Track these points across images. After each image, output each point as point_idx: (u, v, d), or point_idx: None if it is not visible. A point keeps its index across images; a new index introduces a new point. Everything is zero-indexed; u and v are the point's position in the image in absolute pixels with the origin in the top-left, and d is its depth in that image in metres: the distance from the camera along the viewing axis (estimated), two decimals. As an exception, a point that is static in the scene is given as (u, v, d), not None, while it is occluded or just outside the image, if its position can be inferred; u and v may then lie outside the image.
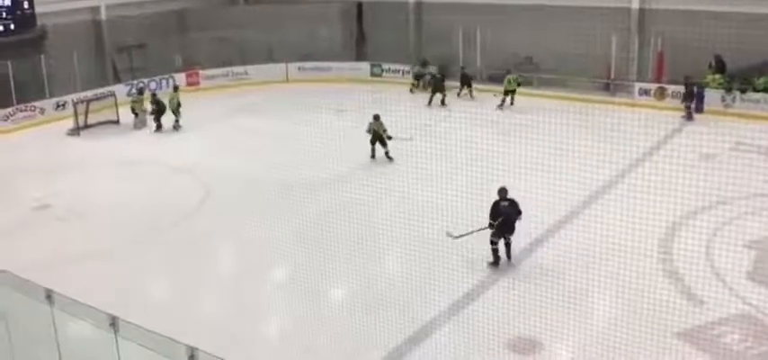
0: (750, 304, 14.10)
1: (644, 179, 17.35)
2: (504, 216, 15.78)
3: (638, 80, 30.51)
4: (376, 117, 23.47)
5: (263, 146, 24.86)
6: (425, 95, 31.51)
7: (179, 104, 28.68)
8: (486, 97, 30.12)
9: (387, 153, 23.52)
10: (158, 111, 28.60)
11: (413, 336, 13.46)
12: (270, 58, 36.73)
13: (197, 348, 8.23)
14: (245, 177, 22.06)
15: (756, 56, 26.67)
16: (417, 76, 33.96)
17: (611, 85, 31.00)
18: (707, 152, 20.49)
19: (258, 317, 14.82)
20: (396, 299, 14.66)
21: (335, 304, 15.42)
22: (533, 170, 16.91)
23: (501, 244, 16.06)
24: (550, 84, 31.05)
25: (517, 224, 16.00)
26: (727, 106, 27.63)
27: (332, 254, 15.86)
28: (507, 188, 15.95)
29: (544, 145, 19.96)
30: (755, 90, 27.63)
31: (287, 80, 36.24)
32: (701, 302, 14.27)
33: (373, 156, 23.74)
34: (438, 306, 14.24)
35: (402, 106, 26.61)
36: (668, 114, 27.19)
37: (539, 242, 17.08)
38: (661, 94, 29.24)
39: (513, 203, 15.96)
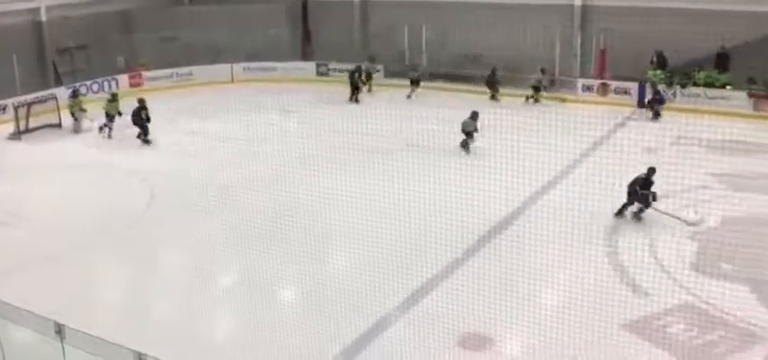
0: (694, 294, 14.37)
1: (588, 174, 17.59)
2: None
3: (581, 76, 30.98)
4: (473, 115, 23.84)
5: (209, 146, 24.56)
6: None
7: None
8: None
9: (466, 143, 23.59)
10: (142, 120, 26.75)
11: (363, 335, 13.43)
12: (215, 58, 36.34)
13: (145, 354, 8.16)
14: (190, 178, 21.74)
15: (696, 51, 27.28)
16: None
17: (555, 82, 31.37)
18: (649, 146, 20.89)
19: (208, 320, 14.65)
20: (346, 299, 14.52)
21: (286, 305, 15.33)
22: (479, 165, 16.95)
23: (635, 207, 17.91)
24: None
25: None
26: (668, 101, 28.12)
27: (280, 254, 15.80)
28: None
29: (488, 140, 20.10)
30: (696, 85, 28.25)
31: (232, 81, 35.95)
32: (647, 294, 14.54)
33: (464, 148, 23.67)
34: (384, 306, 14.23)
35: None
36: (611, 110, 27.60)
37: (485, 239, 17.17)
38: (604, 89, 29.71)
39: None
